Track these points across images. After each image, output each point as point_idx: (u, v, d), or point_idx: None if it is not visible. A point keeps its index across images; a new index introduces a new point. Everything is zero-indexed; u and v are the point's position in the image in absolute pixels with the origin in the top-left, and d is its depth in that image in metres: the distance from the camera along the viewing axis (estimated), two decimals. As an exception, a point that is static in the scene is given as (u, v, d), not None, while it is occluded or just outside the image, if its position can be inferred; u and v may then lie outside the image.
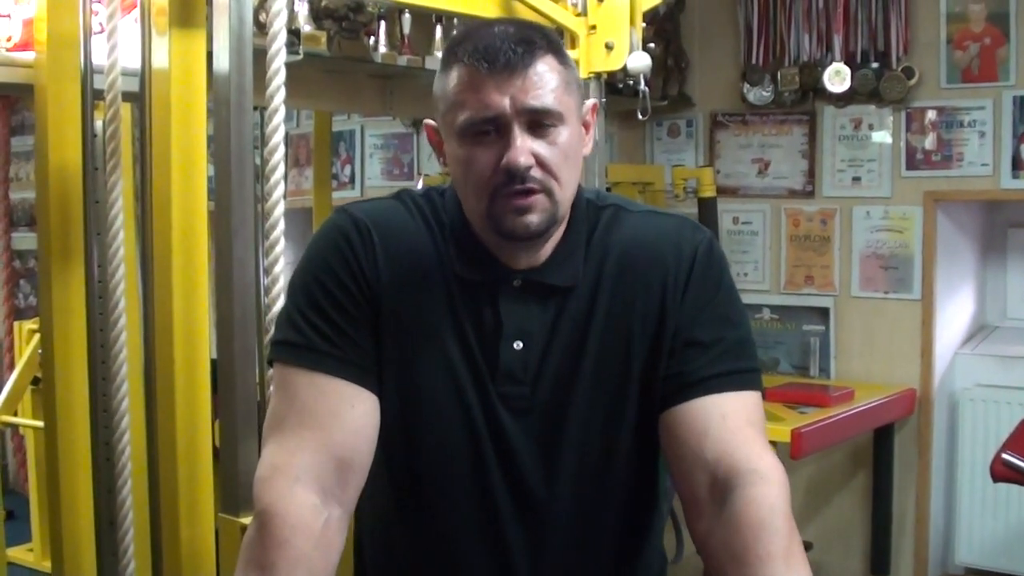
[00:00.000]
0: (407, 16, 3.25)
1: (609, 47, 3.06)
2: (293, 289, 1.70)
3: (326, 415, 1.59)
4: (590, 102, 1.70)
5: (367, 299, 1.64)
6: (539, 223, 1.59)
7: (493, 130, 1.55)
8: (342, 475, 1.58)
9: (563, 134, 1.58)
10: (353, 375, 1.62)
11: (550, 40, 1.60)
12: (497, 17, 1.65)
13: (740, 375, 1.64)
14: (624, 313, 1.66)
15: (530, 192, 1.56)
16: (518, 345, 1.65)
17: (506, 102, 1.53)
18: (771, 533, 1.47)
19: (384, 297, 1.65)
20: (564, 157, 1.59)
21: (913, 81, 4.48)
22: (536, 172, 1.56)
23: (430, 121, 1.67)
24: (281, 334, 1.67)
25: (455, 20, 3.21)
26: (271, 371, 1.69)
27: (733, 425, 1.59)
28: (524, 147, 1.54)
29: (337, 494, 1.57)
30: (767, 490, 1.51)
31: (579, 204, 1.70)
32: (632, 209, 1.76)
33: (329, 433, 1.58)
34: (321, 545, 1.52)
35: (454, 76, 1.57)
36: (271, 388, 1.68)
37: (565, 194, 1.61)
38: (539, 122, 1.56)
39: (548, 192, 1.58)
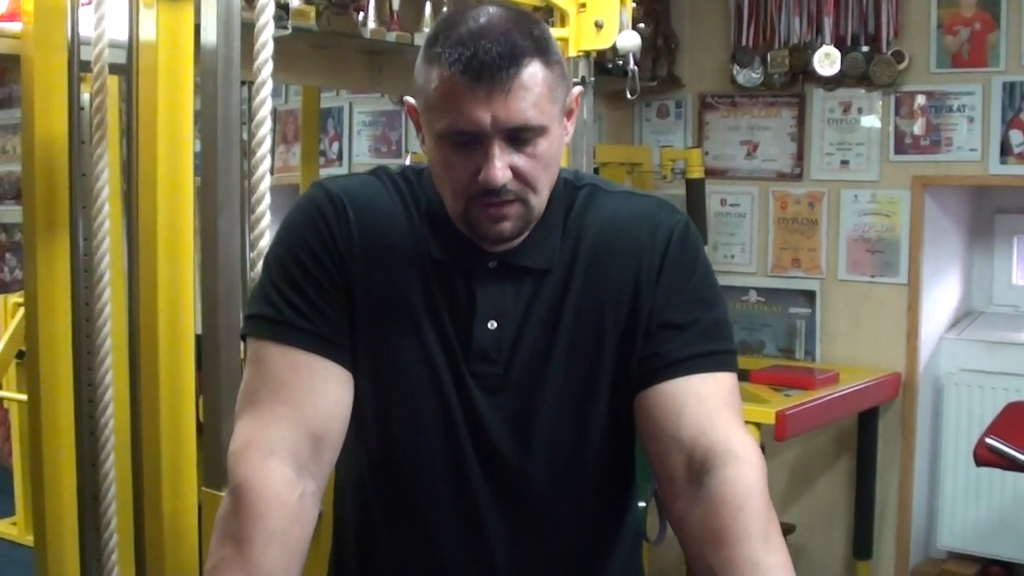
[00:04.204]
0: (397, -8, 3.24)
1: (599, 26, 3.05)
2: (268, 263, 1.70)
3: (300, 390, 1.60)
4: (576, 90, 1.68)
5: (341, 274, 1.64)
6: (512, 229, 1.60)
7: (472, 141, 1.53)
8: (316, 450, 1.59)
9: (543, 144, 1.56)
10: (327, 350, 1.62)
11: (537, 40, 1.55)
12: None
13: (716, 356, 1.64)
14: (598, 294, 1.67)
15: (505, 203, 1.56)
16: (492, 325, 1.65)
17: (487, 118, 1.51)
18: (749, 513, 1.48)
19: (358, 273, 1.65)
20: (543, 166, 1.57)
21: (903, 65, 4.48)
22: (512, 184, 1.55)
23: (410, 99, 1.64)
24: (255, 308, 1.67)
25: (445, -3, 3.20)
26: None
27: (709, 406, 1.59)
28: (502, 163, 1.53)
29: (311, 468, 1.58)
30: (744, 470, 1.52)
31: (556, 185, 1.69)
32: (608, 189, 1.76)
33: (303, 408, 1.59)
34: (296, 519, 1.53)
35: (435, 77, 1.53)
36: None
37: (541, 199, 1.61)
38: (519, 136, 1.54)
39: (523, 201, 1.58)
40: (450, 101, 1.52)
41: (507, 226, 1.59)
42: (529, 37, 1.53)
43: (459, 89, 1.51)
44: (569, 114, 1.67)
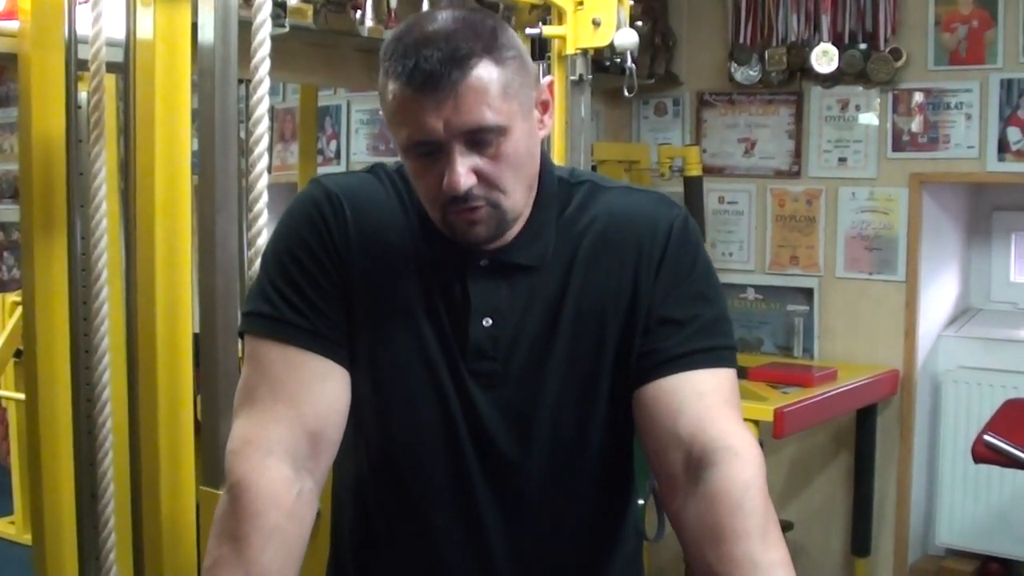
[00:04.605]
0: (394, -10, 3.24)
1: (596, 23, 3.05)
2: (265, 260, 1.70)
3: (298, 388, 1.60)
4: (545, 80, 1.67)
5: (338, 272, 1.64)
6: (487, 233, 1.58)
7: (432, 150, 1.52)
8: (314, 448, 1.59)
9: (507, 143, 1.54)
10: (324, 348, 1.62)
11: (485, 39, 1.52)
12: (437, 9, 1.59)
13: (715, 352, 1.63)
14: (598, 289, 1.66)
15: (475, 208, 1.55)
16: (487, 322, 1.64)
17: (439, 125, 1.49)
18: (747, 510, 1.47)
19: (355, 271, 1.64)
20: (509, 166, 1.55)
21: (900, 63, 4.48)
22: (479, 189, 1.54)
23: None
24: (253, 305, 1.66)
25: (440, -8, 3.19)
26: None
27: (708, 403, 1.58)
28: (463, 169, 1.51)
29: (309, 467, 1.58)
30: (742, 467, 1.51)
31: (549, 182, 1.69)
32: (607, 186, 1.75)
33: (301, 406, 1.59)
34: (294, 517, 1.53)
35: (389, 91, 1.53)
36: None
37: (513, 199, 1.58)
38: (479, 138, 1.52)
39: (493, 204, 1.56)
40: (404, 114, 1.52)
41: (480, 230, 1.58)
42: (474, 37, 1.51)
43: (408, 102, 1.50)
44: (544, 106, 1.65)
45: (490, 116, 1.51)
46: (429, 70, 1.48)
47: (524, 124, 1.58)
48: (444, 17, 1.54)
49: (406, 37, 1.52)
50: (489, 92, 1.51)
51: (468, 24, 1.53)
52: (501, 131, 1.53)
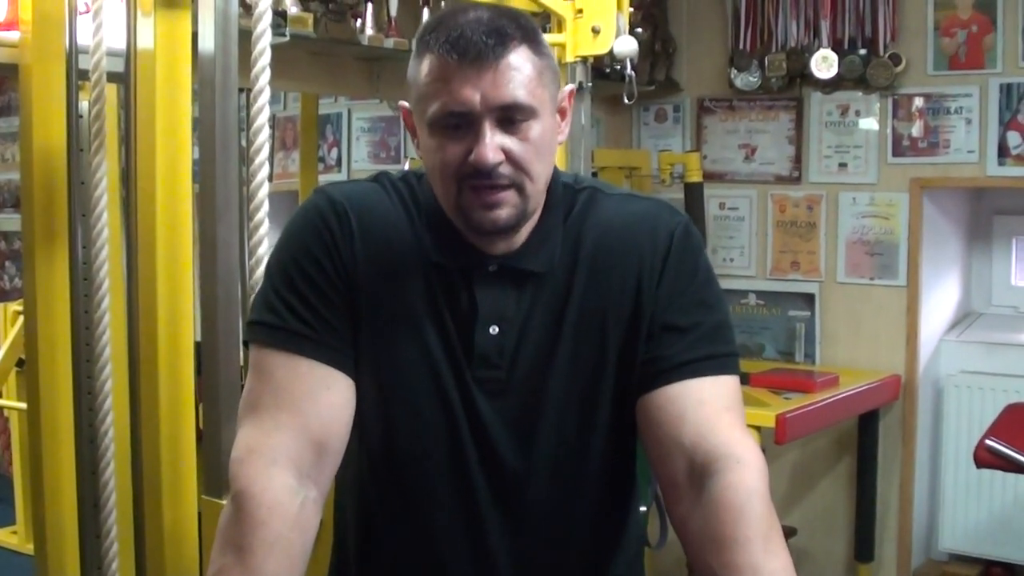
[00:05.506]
0: (394, -2, 3.24)
1: (596, 31, 3.06)
2: (270, 269, 1.70)
3: (302, 397, 1.60)
4: (567, 88, 1.70)
5: (344, 282, 1.64)
6: (508, 218, 1.59)
7: (463, 123, 1.54)
8: (318, 457, 1.59)
9: (535, 128, 1.57)
10: (329, 358, 1.62)
11: (525, 29, 1.57)
12: (474, 2, 1.63)
13: (718, 359, 1.64)
14: (600, 297, 1.67)
15: (499, 188, 1.56)
16: (494, 330, 1.65)
17: (476, 97, 1.52)
18: (750, 517, 1.48)
19: (361, 280, 1.65)
20: (535, 151, 1.58)
21: (900, 68, 4.48)
22: (505, 168, 1.56)
23: (404, 104, 1.66)
24: (257, 314, 1.67)
25: (442, 3, 3.19)
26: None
27: (711, 410, 1.59)
28: (493, 143, 1.54)
29: (313, 476, 1.58)
30: (745, 474, 1.52)
31: (555, 188, 1.70)
32: (609, 192, 1.76)
33: (305, 415, 1.59)
34: (297, 526, 1.53)
35: (425, 65, 1.56)
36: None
37: (536, 187, 1.61)
38: (510, 117, 1.55)
39: (518, 187, 1.58)
40: (440, 84, 1.54)
41: (502, 214, 1.58)
42: (516, 26, 1.56)
43: (449, 70, 1.53)
44: (562, 113, 1.68)
45: (525, 95, 1.54)
46: (476, 41, 1.52)
47: (551, 119, 1.62)
48: (484, 8, 1.59)
49: (449, 19, 1.57)
50: (526, 73, 1.55)
51: (510, 15, 1.60)
52: (532, 113, 1.56)
